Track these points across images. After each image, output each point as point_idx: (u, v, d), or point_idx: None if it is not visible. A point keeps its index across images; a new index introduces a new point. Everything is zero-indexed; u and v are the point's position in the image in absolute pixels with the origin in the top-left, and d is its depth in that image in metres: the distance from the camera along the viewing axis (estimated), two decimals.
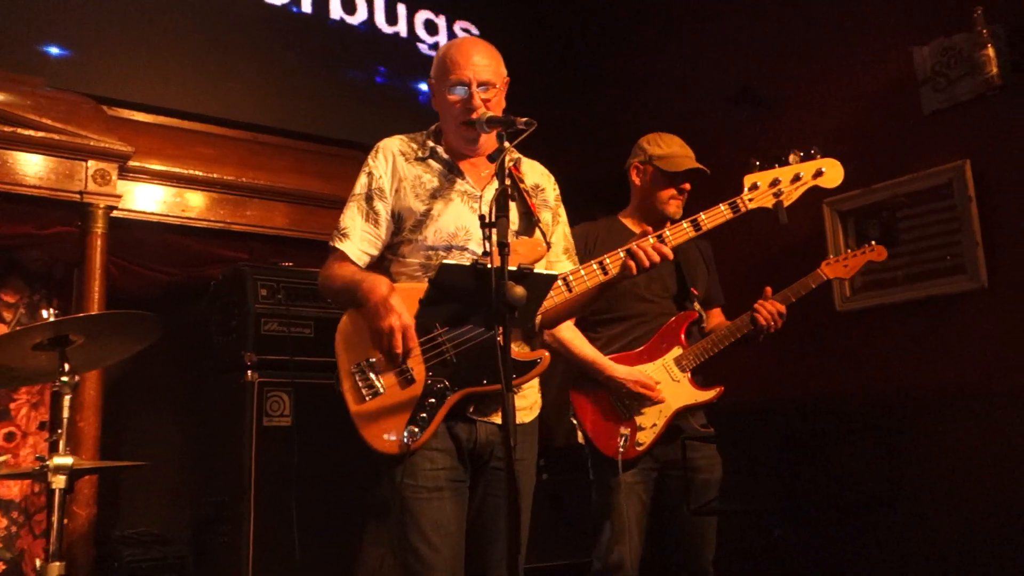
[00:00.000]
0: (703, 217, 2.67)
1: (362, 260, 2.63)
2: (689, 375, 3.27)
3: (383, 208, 2.63)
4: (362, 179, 2.68)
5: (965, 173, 3.65)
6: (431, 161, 2.67)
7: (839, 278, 3.37)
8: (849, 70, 4.15)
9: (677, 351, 3.28)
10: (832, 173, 2.77)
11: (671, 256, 2.57)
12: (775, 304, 3.20)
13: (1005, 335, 3.49)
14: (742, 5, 4.69)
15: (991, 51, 3.52)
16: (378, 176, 2.65)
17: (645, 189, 3.44)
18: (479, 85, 2.55)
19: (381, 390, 2.49)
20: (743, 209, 2.70)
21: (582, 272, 2.60)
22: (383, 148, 2.71)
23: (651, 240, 2.58)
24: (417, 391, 2.48)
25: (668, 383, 3.26)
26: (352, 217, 2.64)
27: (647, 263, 2.53)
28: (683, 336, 3.29)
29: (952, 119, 3.72)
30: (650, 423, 3.23)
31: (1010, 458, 3.39)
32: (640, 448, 3.21)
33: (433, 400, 2.48)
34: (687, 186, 3.37)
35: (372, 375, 2.50)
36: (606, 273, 2.60)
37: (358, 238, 2.63)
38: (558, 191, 2.83)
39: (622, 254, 2.59)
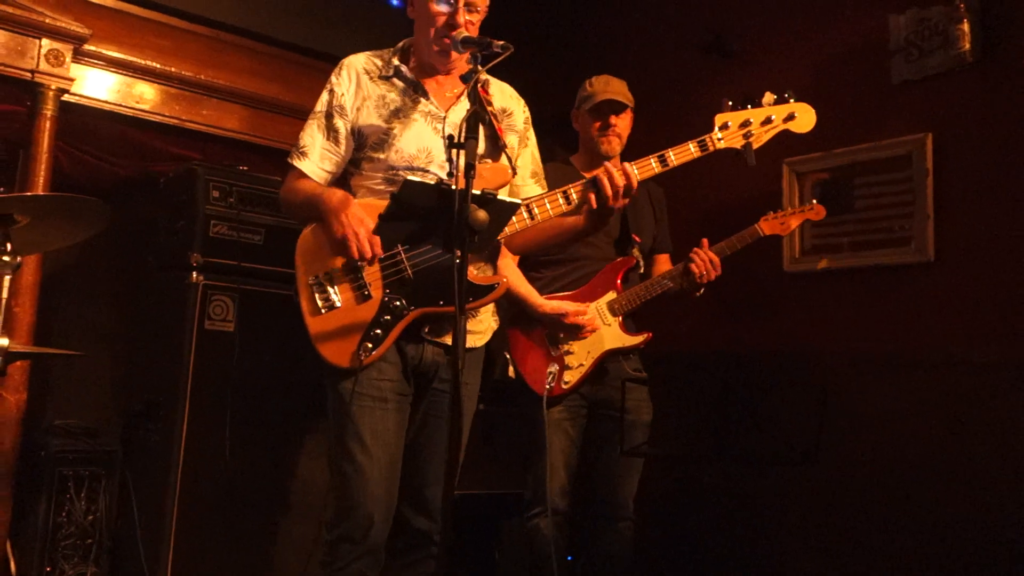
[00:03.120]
0: (670, 154, 2.66)
1: (321, 177, 2.62)
2: (620, 320, 3.33)
3: (343, 125, 2.61)
4: (324, 96, 2.65)
5: (926, 146, 3.69)
6: (395, 80, 2.64)
7: (776, 234, 3.44)
8: (822, 29, 4.15)
9: (611, 295, 3.35)
10: (804, 118, 2.76)
11: (635, 185, 2.56)
12: (710, 253, 3.25)
13: (947, 308, 3.58)
14: None
15: (966, 26, 3.54)
16: (340, 94, 2.62)
17: (581, 132, 3.54)
18: (465, 3, 2.51)
19: (337, 304, 2.49)
20: (711, 148, 2.69)
21: (546, 201, 2.59)
22: (347, 65, 2.67)
23: (616, 171, 2.56)
24: (373, 308, 2.49)
25: (599, 327, 3.32)
26: (312, 135, 2.62)
27: (610, 191, 2.52)
28: (619, 281, 3.36)
29: (920, 91, 3.75)
30: (577, 363, 3.31)
31: (938, 426, 3.50)
32: (566, 386, 3.30)
33: (389, 318, 2.48)
34: (612, 119, 3.41)
35: (329, 288, 2.50)
36: (569, 202, 2.59)
37: (318, 156, 2.61)
38: (528, 114, 2.81)
39: (586, 183, 2.59)
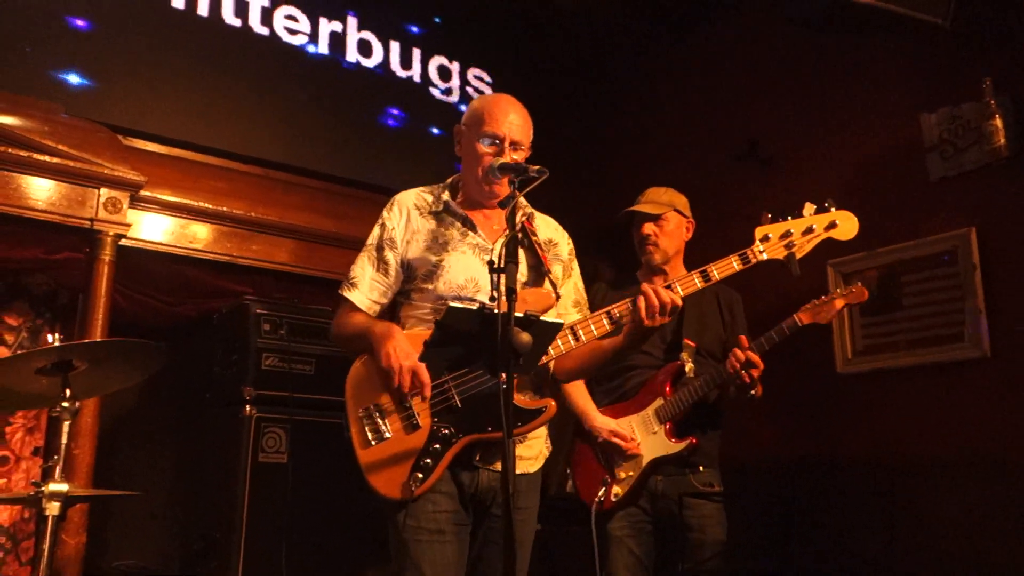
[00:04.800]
0: (713, 269, 2.66)
1: (371, 308, 2.68)
2: (668, 426, 3.27)
3: (393, 258, 2.68)
4: (375, 231, 2.74)
5: (970, 241, 3.66)
6: (445, 214, 2.72)
7: (817, 323, 3.33)
8: (856, 132, 4.20)
9: (659, 402, 3.31)
10: (846, 225, 2.74)
11: (680, 303, 2.56)
12: (747, 353, 3.17)
13: (1006, 404, 3.48)
14: (753, 64, 4.75)
15: (999, 122, 3.56)
16: (391, 228, 2.71)
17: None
18: (511, 143, 2.61)
19: (387, 435, 2.50)
20: (753, 260, 2.69)
21: (590, 322, 2.60)
22: (398, 202, 2.77)
23: (654, 294, 2.57)
24: (423, 437, 2.49)
25: (646, 435, 3.29)
26: (363, 267, 2.70)
27: (656, 308, 2.52)
28: (668, 387, 3.31)
29: (958, 187, 3.75)
30: (625, 474, 3.27)
31: (1005, 525, 3.36)
32: (616, 499, 3.24)
33: (438, 446, 2.48)
34: (645, 230, 3.44)
35: (379, 420, 2.51)
36: (614, 322, 2.60)
37: (367, 287, 2.67)
38: (572, 246, 2.87)
39: (630, 303, 2.59)
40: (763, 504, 4.06)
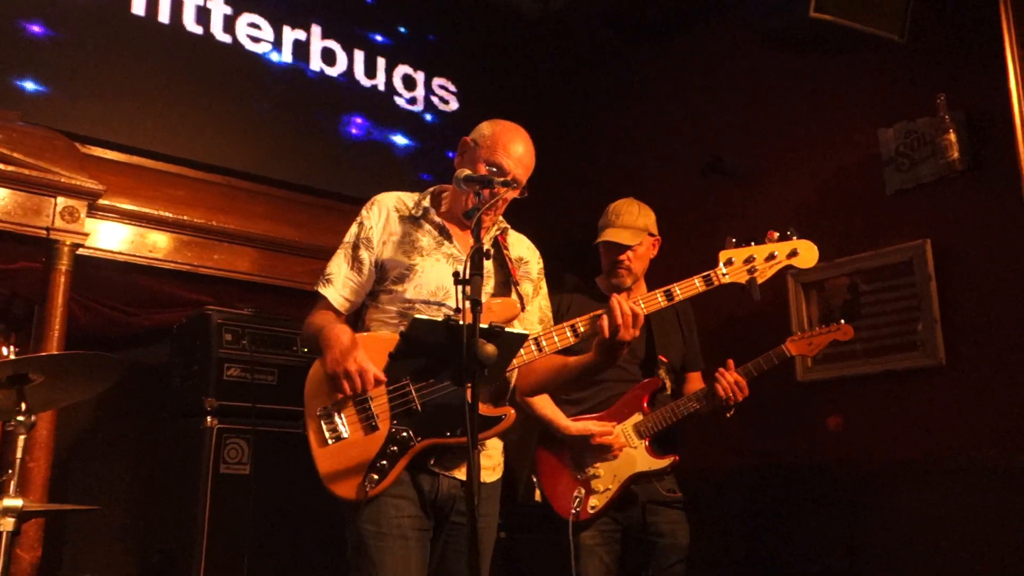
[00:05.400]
0: (676, 289, 2.71)
1: (343, 306, 2.71)
2: (647, 442, 3.30)
3: (367, 257, 2.70)
4: (353, 228, 2.77)
5: (926, 252, 3.74)
6: (423, 221, 2.73)
7: (803, 355, 3.43)
8: (816, 147, 4.26)
9: (637, 417, 3.33)
10: (806, 254, 2.80)
11: (641, 319, 2.59)
12: (736, 375, 3.25)
13: (960, 410, 3.56)
14: (718, 80, 4.81)
15: (953, 136, 3.64)
16: (368, 227, 2.73)
17: (601, 256, 3.55)
18: (512, 179, 2.61)
19: (344, 434, 2.51)
20: (716, 283, 2.74)
21: (553, 333, 2.62)
22: (378, 202, 2.79)
23: (620, 311, 2.59)
24: (380, 438, 2.50)
25: (625, 449, 3.29)
26: (338, 264, 2.73)
27: (619, 323, 2.54)
28: (645, 403, 3.33)
29: (914, 199, 3.83)
30: (603, 487, 3.27)
31: (965, 530, 3.43)
32: (592, 511, 3.25)
33: (395, 448, 2.49)
34: (620, 257, 3.44)
35: (337, 420, 2.52)
36: (577, 335, 2.62)
37: (340, 284, 2.71)
38: (542, 265, 2.90)
39: (594, 317, 2.61)
40: (725, 511, 4.10)
